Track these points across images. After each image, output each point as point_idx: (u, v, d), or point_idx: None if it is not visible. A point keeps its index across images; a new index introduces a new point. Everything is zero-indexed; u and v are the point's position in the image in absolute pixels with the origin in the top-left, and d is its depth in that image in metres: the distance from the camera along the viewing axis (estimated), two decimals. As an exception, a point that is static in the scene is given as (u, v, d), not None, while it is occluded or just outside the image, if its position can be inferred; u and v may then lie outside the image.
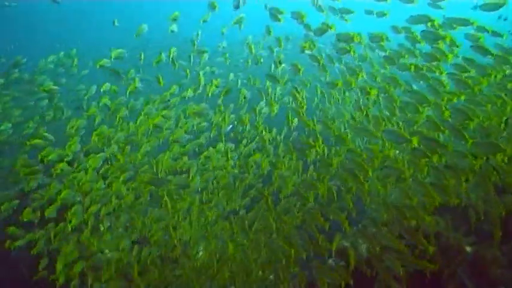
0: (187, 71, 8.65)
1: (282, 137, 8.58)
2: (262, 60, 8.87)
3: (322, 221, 5.52)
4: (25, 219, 6.88)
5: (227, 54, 11.14)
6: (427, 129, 5.54)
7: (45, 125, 10.25)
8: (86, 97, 9.66)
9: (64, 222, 6.63)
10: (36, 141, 7.25)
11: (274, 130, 8.62)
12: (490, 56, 6.15)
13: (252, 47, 9.11)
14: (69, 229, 6.52)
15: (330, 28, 7.28)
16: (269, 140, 8.16)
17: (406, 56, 6.65)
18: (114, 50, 8.03)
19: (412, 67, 6.41)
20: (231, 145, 7.92)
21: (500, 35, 6.43)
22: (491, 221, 5.85)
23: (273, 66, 9.17)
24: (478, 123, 5.61)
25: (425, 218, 5.23)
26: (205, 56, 9.76)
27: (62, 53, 11.67)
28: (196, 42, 9.27)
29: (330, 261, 6.56)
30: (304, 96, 7.45)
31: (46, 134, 7.37)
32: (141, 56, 8.46)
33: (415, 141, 5.36)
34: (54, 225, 6.74)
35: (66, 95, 11.69)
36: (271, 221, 5.83)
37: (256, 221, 6.08)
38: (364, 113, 6.47)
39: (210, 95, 8.50)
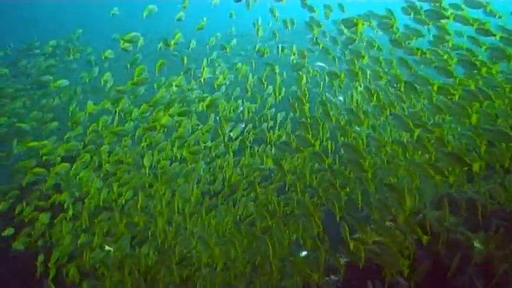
0: (185, 58, 8.68)
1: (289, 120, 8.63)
2: (267, 51, 8.85)
3: (312, 212, 5.53)
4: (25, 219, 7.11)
5: (234, 40, 11.24)
6: (432, 113, 5.56)
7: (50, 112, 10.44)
8: (87, 80, 9.82)
9: (63, 214, 6.82)
10: (34, 143, 7.43)
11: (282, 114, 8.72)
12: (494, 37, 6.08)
13: (260, 29, 9.11)
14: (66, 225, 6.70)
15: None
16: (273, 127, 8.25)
17: (413, 38, 6.58)
18: (124, 35, 8.15)
19: (419, 52, 6.35)
20: (241, 125, 8.01)
21: (500, 16, 6.30)
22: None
23: (279, 52, 9.19)
24: (483, 110, 5.55)
25: (407, 201, 5.23)
26: (213, 40, 9.86)
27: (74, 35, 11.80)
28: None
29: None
30: (307, 83, 7.48)
31: (46, 142, 7.55)
32: (139, 40, 8.48)
33: (416, 133, 5.41)
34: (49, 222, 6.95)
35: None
36: (264, 213, 5.89)
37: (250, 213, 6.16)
38: (374, 96, 6.45)
39: (217, 86, 8.58)
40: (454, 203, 6.23)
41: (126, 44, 8.51)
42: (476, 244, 5.83)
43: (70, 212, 6.69)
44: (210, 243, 6.05)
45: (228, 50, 9.26)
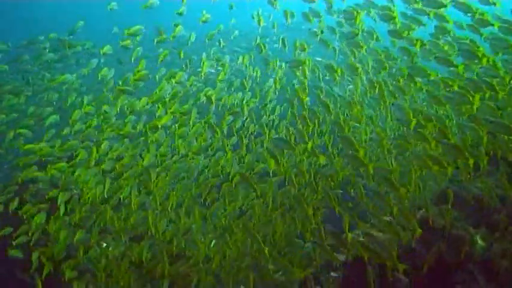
0: (181, 52, 8.70)
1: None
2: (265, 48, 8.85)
3: (305, 207, 5.53)
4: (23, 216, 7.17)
5: (236, 32, 11.35)
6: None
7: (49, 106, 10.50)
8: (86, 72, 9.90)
9: (58, 211, 6.88)
10: (30, 146, 7.52)
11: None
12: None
13: (262, 19, 9.11)
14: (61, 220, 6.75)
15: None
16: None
17: (414, 28, 6.55)
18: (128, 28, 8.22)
19: (419, 43, 6.34)
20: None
21: (494, 3, 6.24)
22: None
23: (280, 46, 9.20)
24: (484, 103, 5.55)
25: (401, 190, 5.23)
26: (214, 33, 9.92)
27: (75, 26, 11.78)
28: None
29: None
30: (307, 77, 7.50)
31: (43, 144, 7.62)
32: (141, 34, 8.47)
33: (413, 123, 5.43)
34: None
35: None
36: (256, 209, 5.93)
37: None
38: (377, 87, 6.45)
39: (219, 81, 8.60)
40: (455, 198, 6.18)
41: (127, 41, 8.62)
42: (479, 241, 5.80)
43: (62, 210, 6.73)
44: (198, 243, 6.11)
45: (222, 45, 9.33)
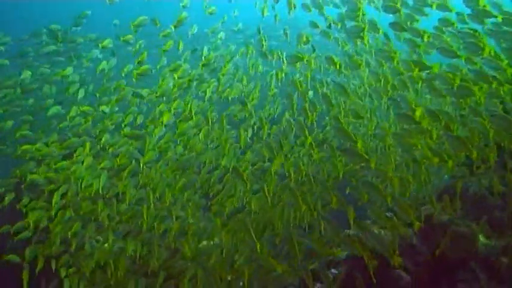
0: (180, 43, 8.67)
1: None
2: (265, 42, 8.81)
3: (300, 201, 5.48)
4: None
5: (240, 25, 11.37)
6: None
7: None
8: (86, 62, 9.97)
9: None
10: (27, 147, 7.55)
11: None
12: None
13: (266, 7, 9.09)
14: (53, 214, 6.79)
15: None
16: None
17: (417, 19, 6.50)
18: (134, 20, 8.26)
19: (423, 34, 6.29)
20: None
21: None
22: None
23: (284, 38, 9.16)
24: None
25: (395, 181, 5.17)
26: (216, 27, 9.96)
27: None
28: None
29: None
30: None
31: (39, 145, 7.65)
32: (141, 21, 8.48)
33: (418, 113, 5.36)
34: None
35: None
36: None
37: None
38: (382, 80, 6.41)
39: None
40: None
41: (128, 36, 8.67)
42: (481, 238, 5.73)
43: (55, 208, 6.76)
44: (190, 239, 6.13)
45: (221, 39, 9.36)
